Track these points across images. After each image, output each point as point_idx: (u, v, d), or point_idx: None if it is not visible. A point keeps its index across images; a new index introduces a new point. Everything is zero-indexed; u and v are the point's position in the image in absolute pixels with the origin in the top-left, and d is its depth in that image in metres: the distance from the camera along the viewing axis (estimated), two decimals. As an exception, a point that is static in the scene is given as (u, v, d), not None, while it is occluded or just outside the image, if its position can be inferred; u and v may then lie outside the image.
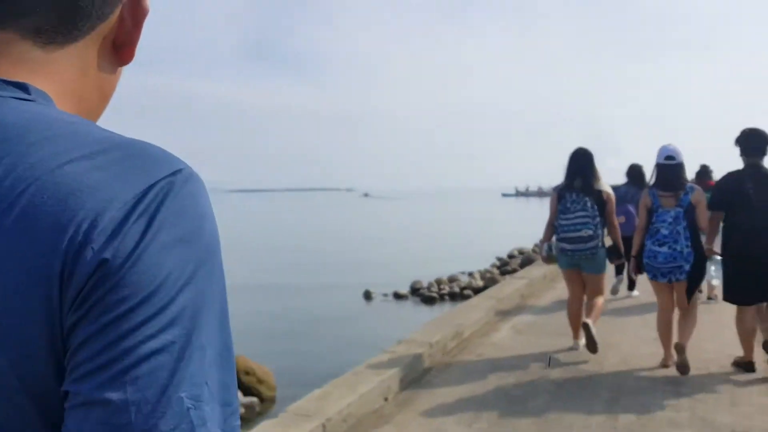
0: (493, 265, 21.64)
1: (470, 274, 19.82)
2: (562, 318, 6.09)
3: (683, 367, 4.79)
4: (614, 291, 8.03)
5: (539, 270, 9.49)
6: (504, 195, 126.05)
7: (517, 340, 6.12)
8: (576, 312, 5.56)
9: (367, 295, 17.08)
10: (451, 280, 18.60)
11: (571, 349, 5.58)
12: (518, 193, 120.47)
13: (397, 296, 16.98)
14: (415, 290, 17.40)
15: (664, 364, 5.08)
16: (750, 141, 4.84)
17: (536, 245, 25.92)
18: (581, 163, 5.43)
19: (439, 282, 18.08)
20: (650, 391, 4.56)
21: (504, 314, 7.10)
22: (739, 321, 4.93)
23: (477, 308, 6.81)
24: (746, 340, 4.91)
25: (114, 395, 0.46)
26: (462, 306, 7.13)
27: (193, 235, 0.52)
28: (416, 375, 4.97)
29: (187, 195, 0.53)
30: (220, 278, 0.53)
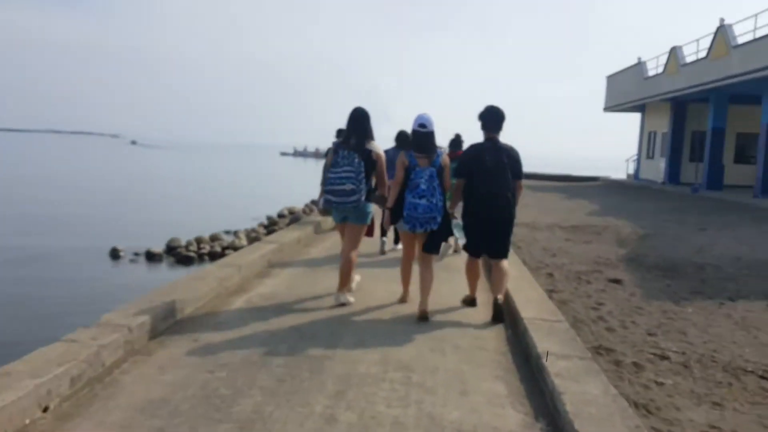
0: (261, 225, 20.89)
1: (235, 233, 18.86)
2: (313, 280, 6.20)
3: (423, 316, 5.37)
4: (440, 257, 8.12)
5: (293, 234, 8.87)
6: (282, 153, 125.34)
7: (253, 313, 5.41)
8: (347, 265, 5.78)
9: (114, 254, 15.26)
10: (213, 239, 17.47)
11: (338, 303, 5.70)
12: (296, 153, 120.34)
13: (150, 256, 15.41)
14: (171, 249, 15.99)
15: (403, 300, 5.88)
16: (489, 117, 5.49)
17: (307, 205, 26.02)
18: (358, 122, 5.72)
19: (199, 241, 16.86)
20: (391, 327, 5.17)
21: (239, 289, 6.22)
22: (468, 268, 5.75)
23: (205, 281, 5.74)
24: (472, 282, 5.77)
25: None
26: (190, 277, 6.03)
27: None
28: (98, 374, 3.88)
29: None
30: None
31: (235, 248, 14.93)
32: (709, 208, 15.21)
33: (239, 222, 21.14)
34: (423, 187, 5.30)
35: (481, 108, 5.57)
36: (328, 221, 8.62)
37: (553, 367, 3.94)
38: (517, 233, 11.06)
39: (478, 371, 4.23)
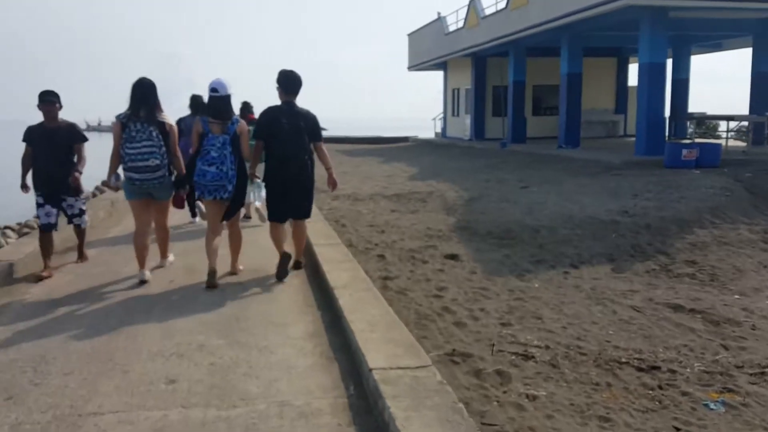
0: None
1: None
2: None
3: (212, 285, 5.45)
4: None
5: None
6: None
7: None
8: (143, 243, 5.68)
9: None
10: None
11: (141, 280, 5.63)
12: (89, 128, 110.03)
13: None
14: None
15: (211, 273, 5.53)
16: (285, 82, 5.54)
17: (98, 188, 22.93)
18: (145, 93, 5.47)
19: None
20: (192, 298, 5.27)
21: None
22: (272, 232, 5.79)
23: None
24: (278, 244, 5.77)
25: None
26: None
27: None
28: None
29: None
30: None
31: None
32: (521, 163, 15.44)
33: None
34: (213, 154, 5.28)
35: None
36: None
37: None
38: (340, 208, 10.18)
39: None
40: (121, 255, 6.74)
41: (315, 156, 5.77)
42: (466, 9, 23.71)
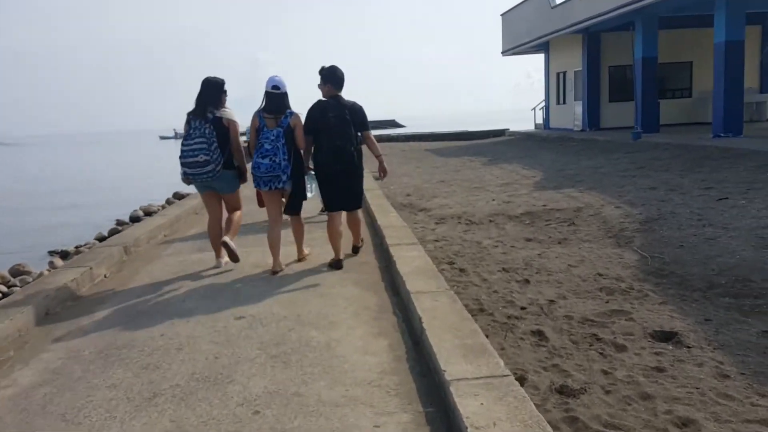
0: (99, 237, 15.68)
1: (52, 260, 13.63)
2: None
3: (276, 270, 5.62)
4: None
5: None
6: (162, 138, 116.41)
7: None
8: (215, 233, 5.90)
9: None
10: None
11: (215, 267, 5.86)
12: (177, 135, 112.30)
13: None
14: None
15: (274, 270, 5.63)
16: (333, 77, 5.56)
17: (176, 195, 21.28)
18: (202, 92, 5.67)
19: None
20: (262, 286, 5.18)
21: None
22: (329, 225, 5.74)
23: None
24: (334, 242, 5.72)
25: None
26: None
27: None
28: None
29: None
30: None
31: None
32: (681, 160, 11.62)
33: (78, 233, 16.04)
34: (267, 146, 5.44)
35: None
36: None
37: None
38: (450, 237, 6.98)
39: None
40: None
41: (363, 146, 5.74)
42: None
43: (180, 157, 5.61)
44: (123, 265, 6.29)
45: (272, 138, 5.43)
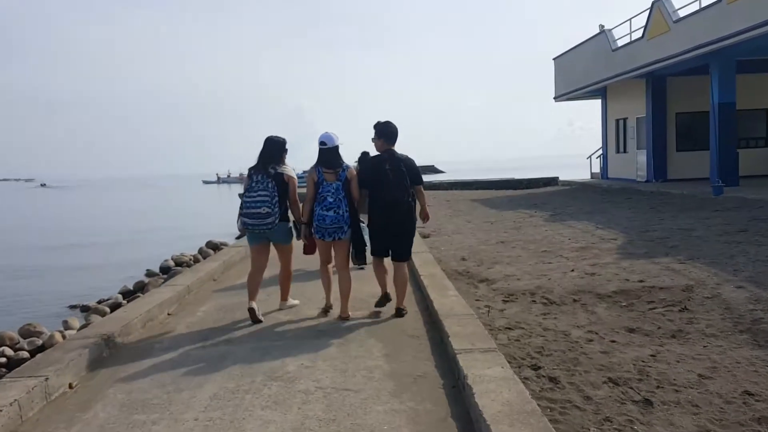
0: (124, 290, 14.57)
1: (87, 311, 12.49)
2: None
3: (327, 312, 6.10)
4: None
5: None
6: (205, 182, 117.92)
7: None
8: (255, 283, 6.10)
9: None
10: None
11: (249, 308, 5.94)
12: (220, 180, 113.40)
13: None
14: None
15: (326, 309, 6.15)
16: (385, 132, 5.85)
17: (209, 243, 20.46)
18: (266, 149, 6.03)
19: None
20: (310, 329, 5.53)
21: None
22: (375, 267, 6.05)
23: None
24: (381, 279, 6.03)
25: None
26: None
27: None
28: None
29: None
30: None
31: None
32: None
33: (109, 276, 15.15)
34: (330, 199, 5.73)
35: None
36: None
37: None
38: (526, 323, 5.45)
39: None
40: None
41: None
42: (646, 16, 18.28)
43: (241, 208, 5.91)
44: (100, 364, 4.89)
45: (333, 191, 5.72)
